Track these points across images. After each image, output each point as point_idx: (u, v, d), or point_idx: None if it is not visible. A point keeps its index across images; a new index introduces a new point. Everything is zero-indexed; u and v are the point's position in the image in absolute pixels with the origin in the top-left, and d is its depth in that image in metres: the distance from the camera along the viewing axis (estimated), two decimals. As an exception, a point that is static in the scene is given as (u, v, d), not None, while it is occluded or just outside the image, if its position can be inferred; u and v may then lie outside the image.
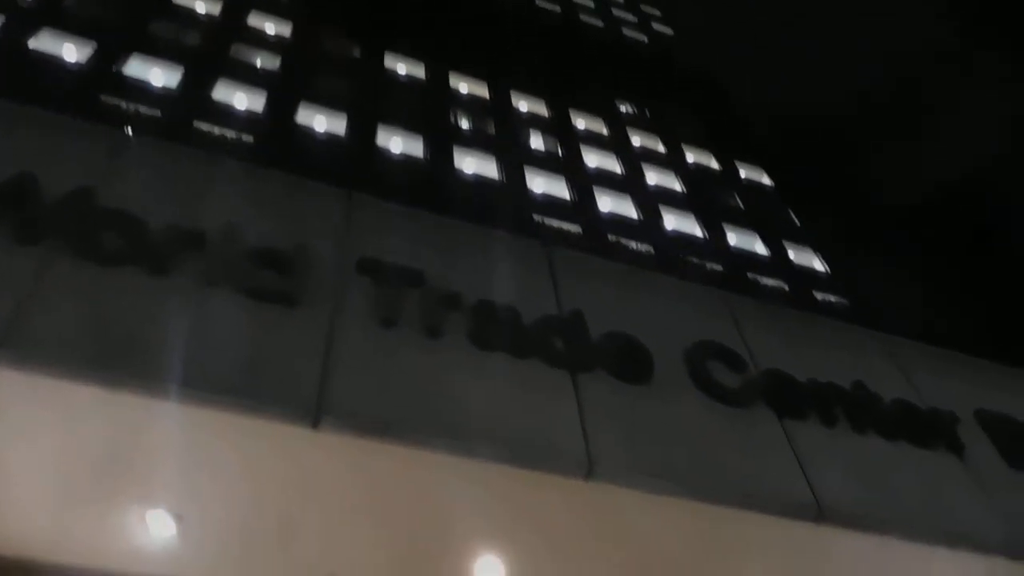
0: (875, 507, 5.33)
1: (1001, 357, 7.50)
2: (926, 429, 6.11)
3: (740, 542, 5.16)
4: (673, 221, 17.98)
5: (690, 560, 5.20)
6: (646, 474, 4.78)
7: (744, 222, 19.58)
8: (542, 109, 23.62)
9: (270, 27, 22.49)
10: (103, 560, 4.71)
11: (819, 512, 5.07)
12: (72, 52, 17.09)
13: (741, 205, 21.07)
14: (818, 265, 17.51)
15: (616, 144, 22.77)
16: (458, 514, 4.69)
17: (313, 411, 4.27)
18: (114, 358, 4.10)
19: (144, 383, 4.07)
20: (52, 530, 4.57)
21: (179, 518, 4.50)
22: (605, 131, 23.42)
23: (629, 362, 5.37)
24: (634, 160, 21.82)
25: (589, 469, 4.63)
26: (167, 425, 4.18)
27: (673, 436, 5.08)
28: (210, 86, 18.10)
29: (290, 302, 4.78)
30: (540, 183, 17.55)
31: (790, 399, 5.75)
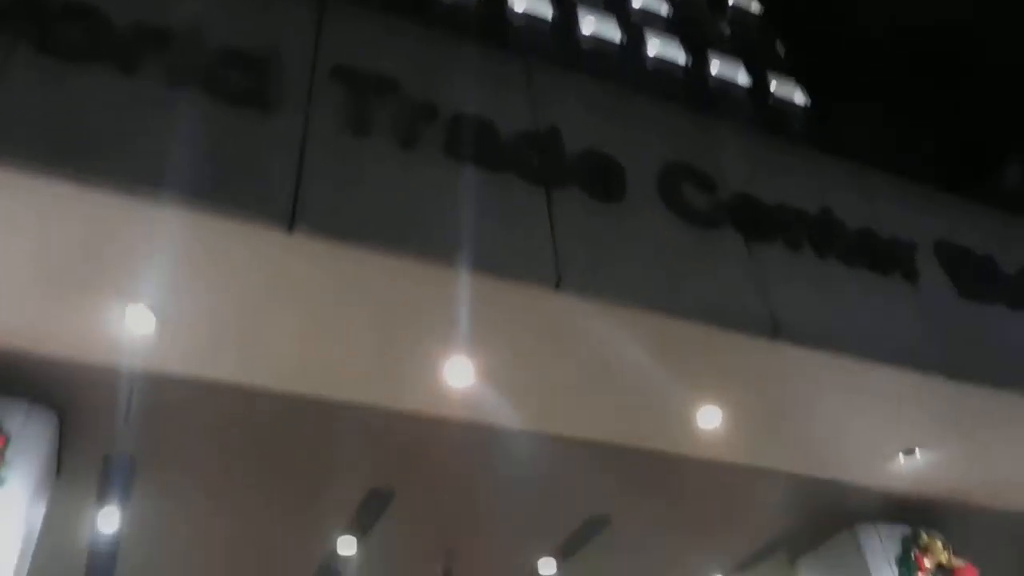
0: (828, 326, 5.60)
1: (966, 191, 7.66)
2: (885, 257, 6.32)
3: (700, 355, 5.42)
4: (657, 44, 17.52)
5: (651, 370, 5.47)
6: (612, 287, 4.96)
7: (729, 49, 19.12)
8: (527, -81, 22.20)
9: None
10: (85, 352, 4.86)
11: (775, 329, 5.32)
12: None
13: (727, 31, 20.46)
14: (798, 96, 17.31)
15: (603, -39, 21.65)
16: (431, 319, 4.85)
17: (288, 216, 4.31)
18: (81, 155, 4.05)
19: (113, 182, 4.05)
20: (33, 322, 4.69)
21: (158, 314, 4.63)
22: (592, -54, 22.27)
23: (603, 180, 5.42)
24: (621, -21, 20.83)
25: (558, 281, 4.78)
26: (142, 224, 4.21)
27: (641, 252, 5.22)
28: None
29: (262, 107, 4.70)
30: (523, -1, 16.82)
31: (757, 222, 5.88)
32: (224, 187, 4.28)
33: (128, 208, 4.11)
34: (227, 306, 4.74)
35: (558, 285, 4.78)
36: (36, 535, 5.36)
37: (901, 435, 6.42)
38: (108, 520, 6.82)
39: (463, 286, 4.62)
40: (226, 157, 4.39)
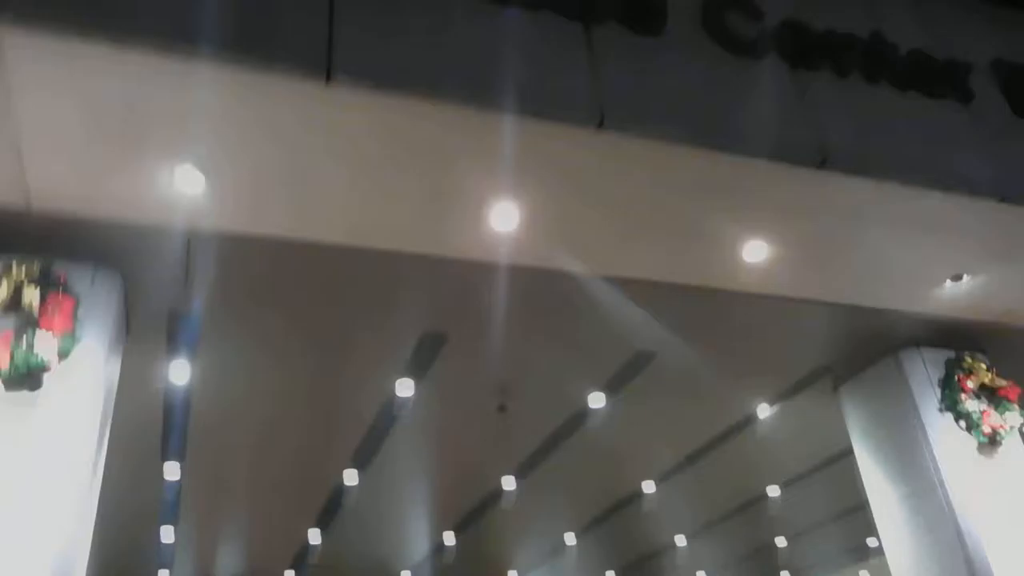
0: (877, 154, 5.48)
1: (1025, 6, 7.21)
2: (938, 79, 6.08)
3: (745, 189, 5.38)
4: None
5: (696, 207, 5.47)
6: (656, 124, 4.88)
7: None
8: None
9: None
10: (141, 214, 4.98)
11: (822, 158, 5.23)
12: None
13: None
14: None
15: None
16: (474, 164, 4.85)
17: (324, 66, 4.26)
18: (112, 15, 4.00)
19: (145, 41, 4.00)
20: (89, 187, 4.78)
21: (207, 173, 4.70)
22: None
23: (643, 13, 5.22)
24: None
25: (601, 119, 4.71)
26: (180, 84, 4.19)
27: (685, 86, 5.09)
28: None
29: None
30: None
31: (804, 49, 5.66)
32: (257, 41, 4.21)
33: (164, 68, 4.08)
34: (272, 162, 4.78)
35: (600, 124, 4.72)
36: (115, 390, 5.70)
37: (949, 262, 6.39)
38: (179, 373, 7.22)
39: (505, 130, 4.59)
40: (256, 10, 4.30)
